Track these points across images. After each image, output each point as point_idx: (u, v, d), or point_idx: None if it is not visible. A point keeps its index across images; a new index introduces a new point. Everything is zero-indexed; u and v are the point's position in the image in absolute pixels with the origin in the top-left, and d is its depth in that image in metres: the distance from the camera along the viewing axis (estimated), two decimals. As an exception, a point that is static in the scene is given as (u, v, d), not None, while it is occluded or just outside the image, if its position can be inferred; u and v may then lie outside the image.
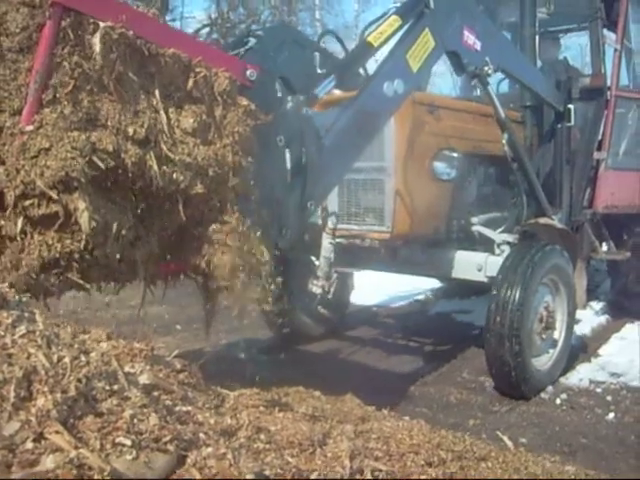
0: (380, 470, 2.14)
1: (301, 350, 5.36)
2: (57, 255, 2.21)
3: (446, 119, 4.74)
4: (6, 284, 2.06)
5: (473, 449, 2.62)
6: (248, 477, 1.42)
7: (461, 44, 4.01)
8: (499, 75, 4.97)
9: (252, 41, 3.22)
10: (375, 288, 7.62)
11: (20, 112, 2.17)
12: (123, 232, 2.36)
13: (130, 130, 2.34)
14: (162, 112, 2.46)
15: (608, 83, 5.73)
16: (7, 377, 1.39)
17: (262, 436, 1.88)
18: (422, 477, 2.25)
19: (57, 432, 1.30)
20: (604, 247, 6.20)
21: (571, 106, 5.19)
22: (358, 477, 2.02)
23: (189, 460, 1.42)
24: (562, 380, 4.62)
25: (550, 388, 4.45)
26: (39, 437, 1.28)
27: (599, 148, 5.81)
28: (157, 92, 2.46)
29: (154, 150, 2.40)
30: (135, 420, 1.42)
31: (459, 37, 3.99)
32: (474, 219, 4.94)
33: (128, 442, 1.33)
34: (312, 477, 1.72)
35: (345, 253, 4.58)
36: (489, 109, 4.74)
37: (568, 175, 5.33)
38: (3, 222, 2.17)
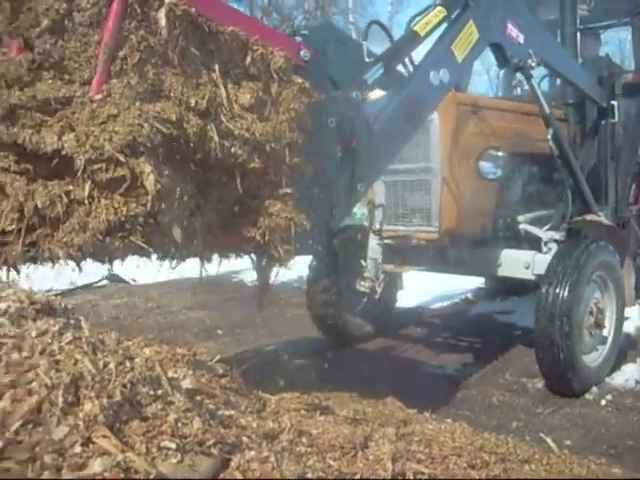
0: (422, 473, 2.14)
1: (346, 352, 5.36)
2: (122, 218, 2.28)
3: (490, 119, 4.78)
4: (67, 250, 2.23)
5: (516, 451, 2.60)
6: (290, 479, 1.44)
7: (504, 36, 4.03)
8: (540, 72, 4.97)
9: (298, 40, 3.22)
10: (416, 289, 7.59)
11: (89, 82, 2.29)
12: (185, 199, 2.44)
13: (192, 101, 2.44)
14: (222, 87, 2.57)
15: None
16: (55, 383, 1.43)
17: (304, 439, 1.90)
18: (465, 480, 2.24)
19: (104, 436, 1.33)
20: None
21: (614, 102, 5.10)
22: (400, 480, 2.02)
23: (233, 463, 1.45)
24: (607, 380, 4.54)
25: (595, 389, 4.38)
26: (87, 441, 1.32)
27: None
28: (217, 67, 2.57)
29: (214, 122, 2.50)
30: (179, 424, 1.45)
31: (502, 29, 4.01)
32: (520, 217, 4.94)
33: (173, 446, 1.36)
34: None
35: (393, 253, 4.72)
36: (531, 107, 4.78)
37: (613, 171, 5.25)
38: (71, 187, 2.26)
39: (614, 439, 3.60)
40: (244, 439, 1.58)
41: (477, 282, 7.61)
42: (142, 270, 10.26)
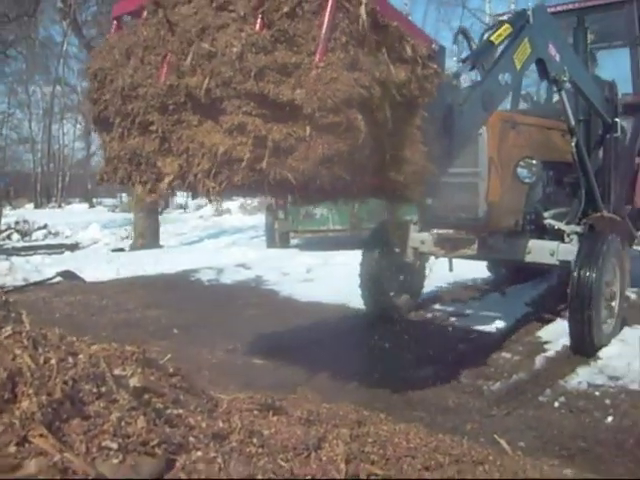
0: (376, 474, 2.12)
1: (301, 353, 5.32)
2: (332, 152, 3.01)
3: (524, 133, 5.85)
4: None
5: (471, 453, 2.58)
6: (238, 481, 1.39)
7: (547, 53, 5.11)
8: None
9: None
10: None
11: (313, 54, 3.02)
12: (371, 143, 3.21)
13: (377, 74, 3.22)
14: (390, 65, 3.36)
15: None
16: (-9, 379, 1.36)
17: (255, 440, 1.85)
18: (418, 481, 2.22)
19: (41, 435, 1.27)
20: None
21: (617, 119, 6.21)
22: (354, 481, 1.99)
23: (178, 464, 1.39)
24: (561, 383, 4.58)
25: (548, 391, 4.42)
26: (22, 440, 1.25)
27: (639, 154, 6.90)
28: (384, 51, 3.37)
29: (387, 92, 3.31)
30: (122, 423, 1.39)
31: (546, 48, 5.10)
32: (545, 214, 5.91)
33: (114, 445, 1.30)
34: (305, 481, 1.69)
35: (444, 242, 5.85)
36: (554, 123, 6.07)
37: (614, 177, 6.34)
38: (295, 128, 3.01)
39: (566, 441, 3.63)
40: (191, 439, 1.52)
41: (432, 286, 7.65)
42: (96, 268, 10.13)
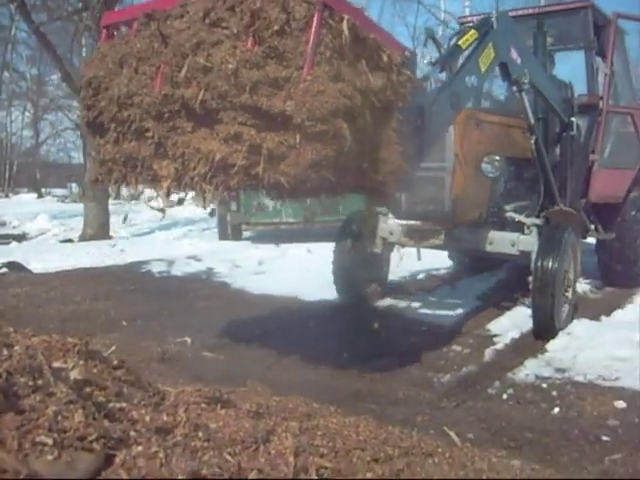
0: (325, 467, 2.09)
1: (250, 346, 5.28)
2: (320, 158, 3.34)
3: (488, 130, 6.21)
4: None
5: (420, 445, 2.58)
6: (180, 477, 1.34)
7: (509, 57, 5.43)
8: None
9: None
10: (320, 280, 7.59)
11: (301, 68, 3.33)
12: (353, 148, 3.53)
13: (358, 83, 3.54)
14: (369, 74, 3.68)
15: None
16: None
17: (200, 434, 1.80)
18: (368, 474, 2.20)
19: (-29, 431, 1.20)
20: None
21: (573, 119, 6.64)
22: (303, 475, 1.96)
23: (117, 460, 1.33)
24: (509, 375, 4.64)
25: (497, 383, 4.47)
26: (-50, 437, 1.18)
27: (593, 151, 7.26)
28: (364, 62, 3.68)
29: (367, 99, 3.64)
30: (59, 417, 1.32)
31: (508, 52, 5.40)
32: (507, 207, 6.30)
33: (49, 441, 1.24)
34: (251, 476, 1.65)
35: (412, 233, 6.10)
36: (516, 121, 6.39)
37: (570, 172, 6.75)
38: (287, 137, 3.32)
39: (514, 432, 3.68)
40: (132, 433, 1.46)
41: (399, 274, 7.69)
42: (44, 259, 9.89)
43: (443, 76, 5.29)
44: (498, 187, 6.36)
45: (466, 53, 5.19)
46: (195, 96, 3.42)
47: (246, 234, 13.23)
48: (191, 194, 3.89)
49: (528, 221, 6.04)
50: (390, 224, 6.41)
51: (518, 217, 6.14)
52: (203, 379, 4.28)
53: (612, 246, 7.64)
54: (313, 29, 3.33)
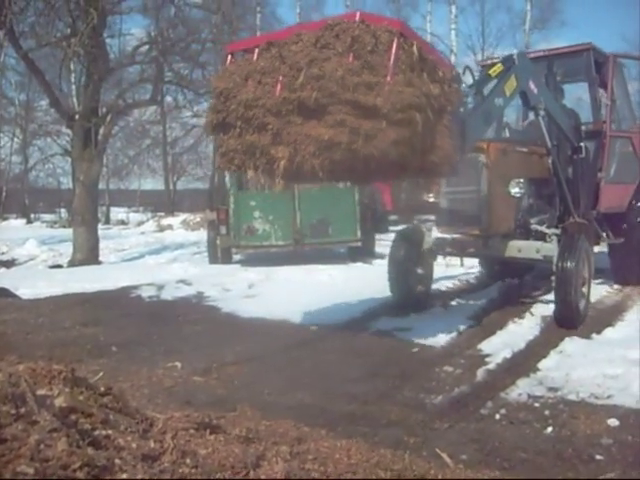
0: (316, 492, 2.06)
1: (238, 370, 5.24)
2: (399, 137, 4.65)
3: (513, 158, 7.40)
4: None
5: (412, 467, 2.56)
6: (166, 505, 1.31)
7: (528, 87, 6.77)
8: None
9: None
10: (315, 305, 7.56)
11: (386, 76, 4.61)
12: (421, 134, 4.79)
13: (422, 89, 4.80)
14: (429, 84, 4.91)
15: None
16: None
17: (188, 460, 1.77)
18: (359, 498, 2.18)
19: (-50, 462, 1.17)
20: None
21: (582, 144, 7.93)
22: (293, 500, 1.93)
23: (101, 488, 1.30)
24: (502, 395, 4.61)
25: (490, 404, 4.44)
26: None
27: (600, 170, 8.51)
28: (425, 75, 4.90)
29: (428, 101, 4.85)
30: (42, 446, 1.29)
31: (527, 83, 6.76)
32: (531, 220, 7.52)
33: (30, 470, 1.21)
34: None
35: (454, 243, 7.69)
36: (536, 149, 7.65)
37: (581, 189, 7.99)
38: (376, 122, 4.59)
39: (507, 452, 3.64)
40: (117, 461, 1.43)
41: (378, 298, 7.68)
42: (33, 285, 9.82)
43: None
44: (523, 204, 7.54)
45: (495, 81, 6.45)
46: (310, 96, 4.69)
47: (236, 257, 13.21)
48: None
49: (549, 231, 7.26)
50: (435, 236, 7.81)
51: (540, 228, 7.38)
52: (193, 404, 4.24)
53: (621, 249, 8.81)
54: (393, 50, 4.68)
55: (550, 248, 7.01)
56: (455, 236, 7.70)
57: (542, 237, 7.27)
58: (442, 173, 5.67)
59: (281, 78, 4.90)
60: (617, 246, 8.84)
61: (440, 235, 7.86)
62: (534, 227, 7.47)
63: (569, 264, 6.58)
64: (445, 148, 5.17)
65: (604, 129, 8.58)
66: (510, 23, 31.97)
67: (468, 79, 6.70)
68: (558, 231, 7.25)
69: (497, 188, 7.10)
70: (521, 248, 7.31)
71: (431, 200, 7.91)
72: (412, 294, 7.73)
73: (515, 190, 7.16)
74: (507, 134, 9.23)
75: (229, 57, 5.57)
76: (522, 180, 7.15)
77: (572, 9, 61.76)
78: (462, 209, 7.32)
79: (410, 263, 7.70)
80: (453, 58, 25.30)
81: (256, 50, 5.27)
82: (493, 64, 6.84)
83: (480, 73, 7.49)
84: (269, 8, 29.86)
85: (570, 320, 6.59)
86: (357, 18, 4.89)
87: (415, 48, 4.83)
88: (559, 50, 9.05)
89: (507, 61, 6.60)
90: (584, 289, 6.94)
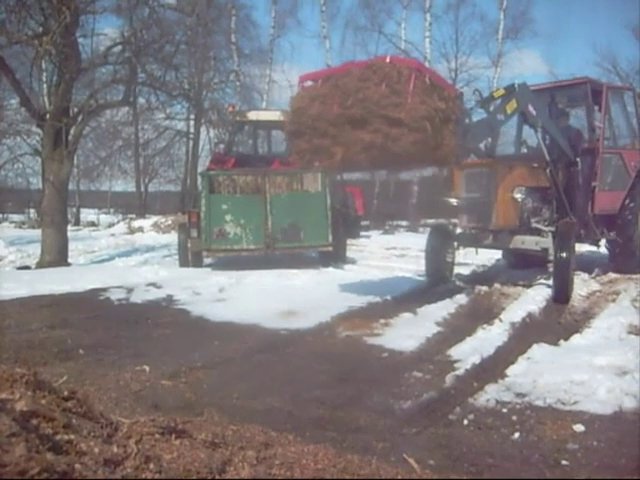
0: (282, 498, 2.04)
1: (208, 374, 5.20)
2: (416, 139, 6.71)
3: (517, 171, 9.40)
4: None
5: (379, 473, 2.55)
6: (126, 511, 1.29)
7: (527, 109, 8.73)
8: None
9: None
10: (285, 309, 7.53)
11: (407, 98, 6.73)
12: (433, 135, 6.87)
13: (433, 105, 6.87)
14: (438, 102, 6.94)
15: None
16: None
17: (152, 465, 1.74)
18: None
19: None
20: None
21: (578, 159, 9.94)
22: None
23: (61, 494, 1.28)
24: (470, 401, 4.63)
25: (458, 409, 4.46)
26: None
27: (594, 179, 10.43)
28: (435, 95, 7.01)
29: (437, 113, 6.94)
30: (-1, 451, 1.26)
31: (526, 106, 8.68)
32: (532, 219, 9.50)
33: (-13, 476, 1.18)
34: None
35: (472, 237, 9.92)
36: (537, 162, 9.57)
37: (578, 195, 10.03)
38: (400, 129, 6.64)
39: (475, 458, 3.66)
40: (77, 466, 1.41)
41: (350, 303, 7.67)
42: (0, 287, 9.66)
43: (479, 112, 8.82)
44: (526, 206, 9.43)
45: (498, 101, 8.52)
46: (357, 113, 6.80)
47: (207, 261, 13.13)
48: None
49: (546, 229, 9.38)
50: (458, 231, 10.31)
51: (539, 226, 9.48)
52: (161, 408, 4.19)
53: (616, 243, 10.74)
54: (412, 81, 6.72)
55: (546, 242, 9.06)
56: (472, 231, 9.83)
57: (540, 233, 9.32)
58: (448, 163, 7.83)
59: (337, 100, 7.02)
60: (612, 241, 10.86)
61: (460, 230, 10.19)
62: (534, 225, 9.48)
63: (564, 253, 8.52)
64: (450, 146, 7.14)
65: (597, 147, 10.53)
66: (483, 32, 32.11)
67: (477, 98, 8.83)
68: (553, 228, 9.28)
69: (503, 194, 9.07)
70: (524, 241, 9.36)
71: (454, 203, 9.70)
72: (442, 275, 10.09)
73: (518, 195, 9.16)
74: (524, 149, 11.24)
75: (301, 84, 7.87)
76: (524, 188, 9.22)
77: (545, 19, 62.49)
78: (478, 210, 9.33)
79: (442, 251, 10.07)
80: (427, 65, 25.46)
81: (319, 80, 7.55)
82: (497, 89, 9.24)
83: (488, 95, 9.26)
84: (244, 11, 29.62)
85: (566, 297, 8.39)
86: (388, 60, 7.11)
87: (427, 78, 6.95)
88: (562, 83, 11.58)
89: (509, 88, 8.57)
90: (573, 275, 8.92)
